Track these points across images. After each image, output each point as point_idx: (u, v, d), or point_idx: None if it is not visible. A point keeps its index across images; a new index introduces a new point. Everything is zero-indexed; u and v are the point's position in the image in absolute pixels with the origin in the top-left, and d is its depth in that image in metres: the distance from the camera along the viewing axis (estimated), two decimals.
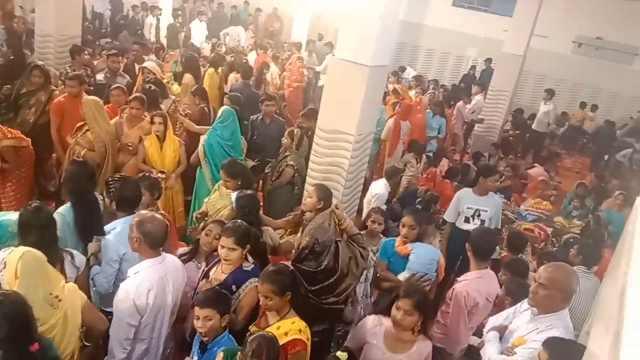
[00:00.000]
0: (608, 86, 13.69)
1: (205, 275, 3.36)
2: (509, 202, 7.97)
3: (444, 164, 9.26)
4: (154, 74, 7.04)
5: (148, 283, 2.96)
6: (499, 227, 5.48)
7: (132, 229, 3.01)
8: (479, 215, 5.22)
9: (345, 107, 5.02)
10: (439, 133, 9.18)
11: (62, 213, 3.51)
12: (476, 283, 3.68)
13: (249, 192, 4.07)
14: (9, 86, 6.05)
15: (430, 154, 8.55)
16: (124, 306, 2.92)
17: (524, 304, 3.13)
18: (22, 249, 2.63)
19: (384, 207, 6.69)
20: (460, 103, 10.66)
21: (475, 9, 14.99)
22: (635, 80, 13.02)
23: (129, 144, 5.23)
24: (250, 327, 3.06)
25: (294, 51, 11.23)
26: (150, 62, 7.55)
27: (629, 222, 2.95)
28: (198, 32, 13.29)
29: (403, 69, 13.81)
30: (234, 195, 4.07)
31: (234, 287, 3.20)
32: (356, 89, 4.94)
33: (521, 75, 10.93)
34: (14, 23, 9.80)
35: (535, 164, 10.08)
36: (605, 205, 7.50)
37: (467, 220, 5.25)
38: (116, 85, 6.01)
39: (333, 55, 5.37)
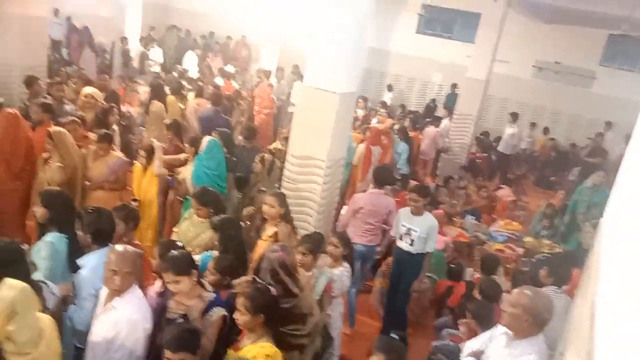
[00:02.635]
0: (568, 109, 14.19)
1: (163, 307, 3.23)
2: (479, 223, 8.10)
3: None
4: (95, 99, 7.01)
5: (146, 306, 3.04)
6: (433, 251, 5.27)
7: (112, 269, 2.97)
8: (409, 235, 5.13)
9: (316, 134, 5.05)
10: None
11: (52, 241, 3.43)
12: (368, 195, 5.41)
13: (228, 216, 4.06)
14: None
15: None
16: (135, 337, 2.95)
17: (500, 329, 3.16)
18: (15, 283, 2.54)
19: None
20: (430, 129, 10.79)
21: (438, 35, 15.41)
22: (593, 102, 13.52)
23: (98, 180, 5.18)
24: (228, 349, 3.03)
25: (263, 78, 11.29)
26: (91, 88, 7.45)
27: (596, 242, 3.02)
28: (156, 59, 13.59)
29: (390, 88, 14.59)
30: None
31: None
32: (326, 116, 4.98)
33: (485, 99, 11.23)
34: None
35: (503, 185, 10.30)
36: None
37: (400, 237, 5.22)
38: (71, 118, 5.81)
39: (302, 82, 5.42)
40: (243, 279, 3.46)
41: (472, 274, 6.15)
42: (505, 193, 9.48)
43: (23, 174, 5.29)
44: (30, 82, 6.88)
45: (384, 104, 12.10)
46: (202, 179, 5.26)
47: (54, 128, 5.19)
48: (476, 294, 4.38)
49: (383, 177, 5.63)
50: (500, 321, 3.06)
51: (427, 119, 11.94)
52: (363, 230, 5.43)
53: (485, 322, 3.67)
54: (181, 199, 5.57)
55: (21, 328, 2.44)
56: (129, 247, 3.13)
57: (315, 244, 4.02)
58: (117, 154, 5.40)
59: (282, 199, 4.43)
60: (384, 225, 5.58)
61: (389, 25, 15.15)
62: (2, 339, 2.46)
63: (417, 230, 5.08)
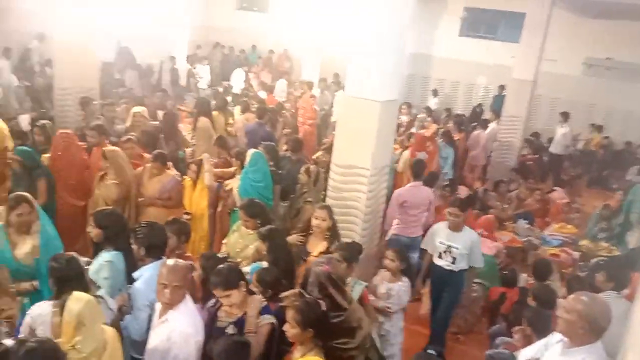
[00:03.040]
0: (621, 105, 13.58)
1: (214, 316, 3.31)
2: (532, 228, 7.86)
3: (463, 192, 9.20)
4: (146, 118, 7.29)
5: (198, 319, 3.10)
6: (481, 265, 5.11)
7: (163, 283, 3.06)
8: (450, 252, 4.91)
9: (359, 142, 5.05)
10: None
11: (112, 260, 3.56)
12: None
13: (274, 226, 4.14)
14: None
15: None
16: (188, 349, 3.01)
17: (556, 336, 3.05)
18: (81, 296, 2.73)
19: None
20: (480, 134, 10.55)
21: (481, 37, 15.14)
22: None
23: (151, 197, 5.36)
24: None
25: (305, 90, 11.40)
26: (141, 107, 7.72)
27: None
28: (203, 75, 13.92)
29: (435, 93, 14.35)
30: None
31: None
32: (368, 124, 4.98)
33: (533, 100, 10.93)
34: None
35: (556, 188, 9.96)
36: None
37: (440, 256, 5.01)
38: (127, 137, 6.05)
39: (343, 91, 5.45)
40: (291, 292, 3.49)
41: (526, 280, 5.97)
42: (558, 195, 9.16)
43: (79, 192, 5.56)
44: (85, 103, 7.22)
45: (428, 110, 11.97)
46: (249, 192, 5.34)
47: (108, 147, 5.43)
48: (530, 300, 4.25)
49: (420, 170, 6.18)
50: (557, 328, 2.95)
51: (474, 123, 11.71)
52: (407, 222, 5.73)
53: (540, 329, 3.56)
54: (229, 211, 5.68)
55: (86, 339, 2.60)
56: (180, 261, 3.22)
57: (351, 253, 4.01)
58: (172, 172, 5.54)
59: (331, 211, 4.45)
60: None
61: (431, 30, 15.02)
62: (68, 348, 2.60)
63: (459, 247, 4.87)
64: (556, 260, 6.53)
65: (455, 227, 4.92)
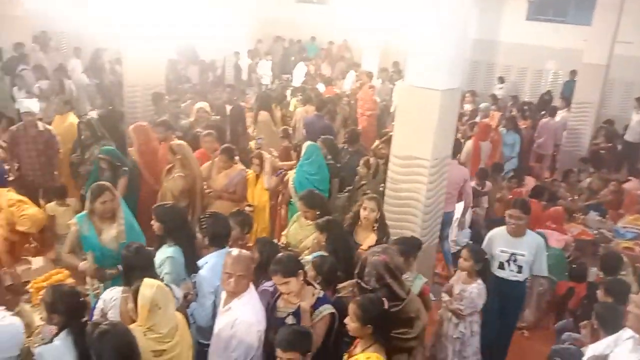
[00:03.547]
0: None
1: (273, 306, 3.37)
2: (604, 220, 7.49)
3: (530, 182, 8.88)
4: (209, 113, 7.47)
5: (261, 313, 3.17)
6: (545, 275, 4.64)
7: (243, 267, 3.15)
8: (515, 261, 4.43)
9: (419, 133, 4.99)
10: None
11: (173, 256, 3.73)
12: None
13: (332, 217, 4.17)
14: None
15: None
16: (250, 338, 3.09)
17: (627, 332, 2.91)
18: (153, 282, 2.91)
19: (467, 231, 6.58)
20: (548, 122, 10.10)
21: (550, 20, 14.45)
22: None
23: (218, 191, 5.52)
24: (344, 355, 3.10)
25: (365, 80, 11.34)
26: (204, 103, 7.92)
27: None
28: (265, 71, 14.05)
29: (502, 80, 13.90)
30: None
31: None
32: (428, 114, 4.90)
33: (606, 85, 10.35)
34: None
35: (631, 177, 9.40)
36: None
37: (501, 266, 4.49)
38: (207, 132, 6.22)
39: (403, 81, 5.39)
40: (348, 283, 3.51)
41: (596, 274, 5.69)
42: (634, 185, 8.63)
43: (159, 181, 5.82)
44: (157, 98, 7.53)
45: (493, 98, 11.60)
46: (303, 184, 5.37)
47: (175, 141, 5.64)
48: (601, 294, 4.06)
49: (455, 149, 5.98)
50: (627, 324, 2.82)
51: (542, 112, 11.23)
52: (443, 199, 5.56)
53: (610, 325, 3.39)
54: (287, 202, 5.77)
55: (161, 321, 2.80)
56: (243, 251, 3.32)
57: (408, 247, 3.97)
58: (239, 167, 5.68)
59: (380, 203, 4.41)
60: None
61: (495, 15, 14.48)
62: (144, 330, 2.80)
63: (525, 254, 4.40)
64: (630, 254, 6.18)
65: (517, 232, 4.43)
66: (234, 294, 3.18)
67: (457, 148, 6.33)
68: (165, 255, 3.73)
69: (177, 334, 2.91)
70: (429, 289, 4.10)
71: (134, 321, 2.92)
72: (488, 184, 7.21)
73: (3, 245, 5.03)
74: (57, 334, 2.85)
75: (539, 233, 5.27)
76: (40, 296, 4.05)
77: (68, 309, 2.87)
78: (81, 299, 3.03)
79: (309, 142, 5.80)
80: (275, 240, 4.59)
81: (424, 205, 5.08)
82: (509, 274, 4.46)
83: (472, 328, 4.24)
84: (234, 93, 9.37)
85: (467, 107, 11.06)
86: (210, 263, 3.59)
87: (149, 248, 3.63)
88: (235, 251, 3.27)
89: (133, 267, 3.24)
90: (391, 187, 5.25)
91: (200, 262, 3.68)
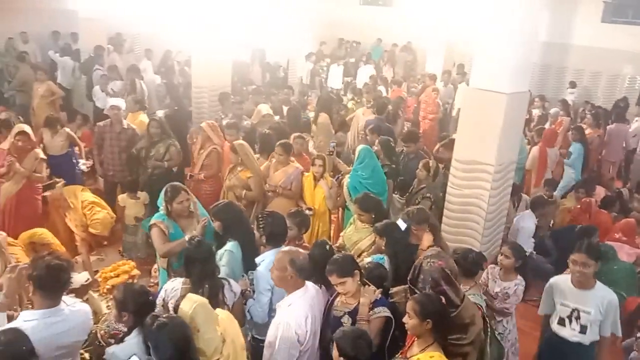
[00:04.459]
0: None
1: (331, 304, 3.37)
2: None
3: (600, 192, 8.45)
4: (271, 115, 7.66)
5: (303, 312, 3.13)
6: (620, 335, 3.89)
7: (284, 268, 3.17)
8: (578, 318, 3.70)
9: (483, 137, 4.88)
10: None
11: (232, 250, 3.84)
12: None
13: (390, 220, 4.14)
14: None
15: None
16: (287, 339, 3.08)
17: None
18: (191, 300, 2.90)
19: (531, 241, 6.33)
20: (617, 126, 9.58)
21: (628, 22, 13.68)
22: None
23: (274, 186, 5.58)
24: (397, 355, 3.07)
25: (427, 83, 11.17)
26: (266, 105, 8.05)
27: None
28: (334, 76, 13.87)
29: (573, 85, 13.33)
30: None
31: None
32: (494, 118, 4.78)
33: None
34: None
35: None
36: None
37: (561, 322, 3.80)
38: (297, 134, 6.36)
39: (467, 84, 5.27)
40: (400, 288, 3.47)
41: None
42: None
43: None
44: (223, 98, 7.75)
45: (564, 103, 11.10)
46: (357, 188, 5.34)
47: (237, 141, 5.78)
48: None
49: None
50: None
51: (614, 119, 10.64)
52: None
53: None
54: (344, 205, 5.76)
55: (205, 342, 2.77)
56: (291, 249, 3.36)
57: (472, 266, 3.80)
58: (296, 165, 5.73)
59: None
60: None
61: (568, 16, 13.88)
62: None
63: (591, 312, 3.66)
64: None
65: (582, 284, 3.70)
66: (289, 291, 3.23)
67: None
68: (225, 248, 3.84)
69: (225, 347, 2.87)
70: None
71: None
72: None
73: (80, 244, 5.30)
74: (127, 333, 2.95)
75: (608, 245, 5.01)
76: (108, 285, 4.27)
77: (137, 308, 2.93)
78: (150, 298, 3.11)
79: (362, 145, 5.78)
80: (336, 245, 4.60)
81: (486, 213, 4.96)
82: (570, 333, 3.77)
83: (512, 322, 4.23)
84: (293, 95, 9.47)
85: (536, 112, 10.66)
86: (267, 261, 3.64)
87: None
88: (285, 249, 3.31)
89: (194, 259, 3.34)
90: (453, 192, 5.15)
91: (257, 260, 3.75)
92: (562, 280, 3.88)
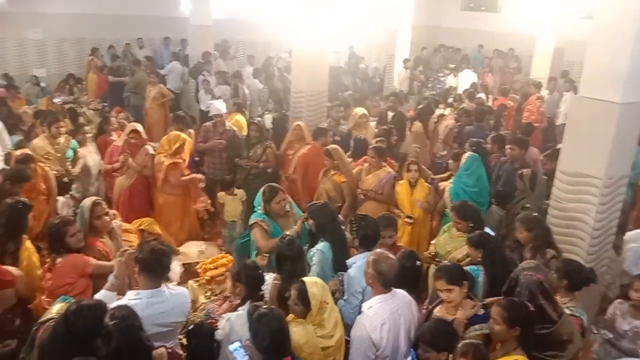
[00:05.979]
0: None
1: (429, 313, 3.35)
2: None
3: None
4: (367, 118, 7.73)
5: (380, 318, 3.13)
6: None
7: (368, 265, 3.22)
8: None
9: (592, 148, 4.59)
10: None
11: (323, 250, 3.95)
12: None
13: (485, 232, 4.04)
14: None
15: None
16: (361, 339, 3.12)
17: None
18: (315, 280, 3.19)
19: None
20: None
21: None
22: None
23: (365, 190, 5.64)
24: None
25: (532, 91, 10.66)
26: (362, 109, 8.10)
27: None
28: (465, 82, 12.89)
29: None
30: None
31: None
32: (604, 129, 4.49)
33: None
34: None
35: None
36: None
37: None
38: (362, 137, 6.54)
39: (574, 92, 4.99)
40: (494, 299, 3.36)
41: None
42: None
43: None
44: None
45: None
46: (460, 195, 5.25)
47: (331, 146, 5.90)
48: None
49: None
50: None
51: None
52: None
53: None
54: (442, 212, 5.67)
55: (330, 315, 3.03)
56: (378, 251, 3.37)
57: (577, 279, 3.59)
58: (387, 169, 5.75)
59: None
60: None
61: None
62: (315, 327, 3.04)
63: None
64: None
65: None
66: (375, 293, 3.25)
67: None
68: (316, 248, 3.94)
69: (337, 329, 3.10)
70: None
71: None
72: None
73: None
74: (240, 304, 3.18)
75: None
76: (207, 277, 4.52)
77: (249, 280, 3.20)
78: (260, 271, 3.36)
79: (469, 153, 5.67)
80: (428, 252, 4.55)
81: (592, 229, 4.65)
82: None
83: None
84: (397, 101, 9.45)
85: None
86: (359, 263, 3.67)
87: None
88: (383, 252, 3.33)
89: (285, 257, 3.50)
90: (555, 205, 4.89)
91: (348, 262, 3.80)
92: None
